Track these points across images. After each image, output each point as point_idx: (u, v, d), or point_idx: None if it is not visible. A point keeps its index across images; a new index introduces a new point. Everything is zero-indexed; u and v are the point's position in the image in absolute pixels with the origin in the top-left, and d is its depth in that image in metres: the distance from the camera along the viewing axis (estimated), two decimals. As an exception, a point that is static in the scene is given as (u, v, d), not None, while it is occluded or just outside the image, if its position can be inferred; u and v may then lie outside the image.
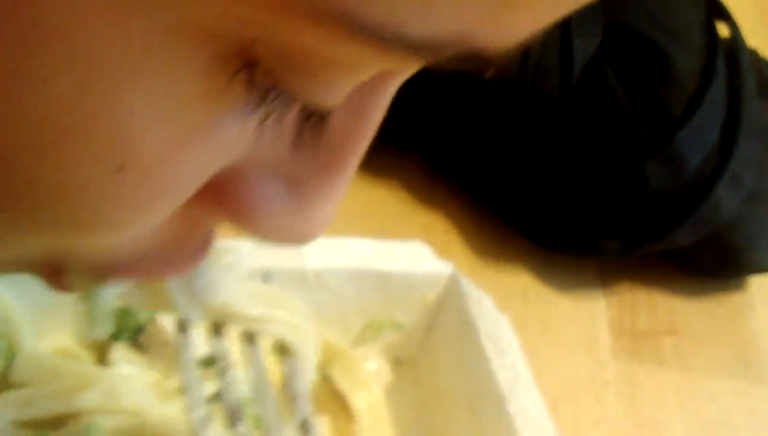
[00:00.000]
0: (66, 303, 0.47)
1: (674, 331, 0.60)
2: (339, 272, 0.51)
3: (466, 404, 0.49)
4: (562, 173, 0.59)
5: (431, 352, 0.52)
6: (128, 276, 0.27)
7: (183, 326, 0.41)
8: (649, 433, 0.54)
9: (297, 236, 0.26)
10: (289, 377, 0.41)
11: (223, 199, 0.24)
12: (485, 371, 0.47)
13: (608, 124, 0.58)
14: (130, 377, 0.46)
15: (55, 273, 0.28)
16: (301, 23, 0.17)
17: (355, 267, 0.51)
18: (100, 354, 0.48)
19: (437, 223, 0.63)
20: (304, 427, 0.39)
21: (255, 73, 0.19)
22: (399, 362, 0.53)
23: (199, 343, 0.47)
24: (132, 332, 0.48)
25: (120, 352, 0.47)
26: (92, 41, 0.17)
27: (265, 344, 0.41)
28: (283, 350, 0.42)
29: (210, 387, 0.42)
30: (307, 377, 0.42)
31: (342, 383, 0.50)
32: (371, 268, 0.51)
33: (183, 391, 0.39)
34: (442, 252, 0.53)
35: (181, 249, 0.27)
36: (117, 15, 0.17)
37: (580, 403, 0.55)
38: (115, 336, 0.48)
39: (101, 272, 0.26)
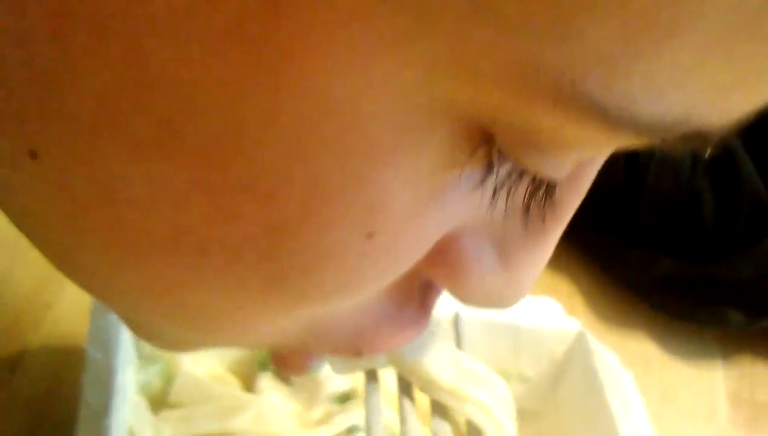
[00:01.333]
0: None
1: (793, 405, 0.61)
2: (472, 321, 0.53)
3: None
4: (690, 243, 0.61)
5: (556, 406, 0.55)
6: (368, 351, 0.28)
7: (372, 375, 0.39)
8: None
9: (502, 299, 0.26)
10: None
11: (438, 260, 0.24)
12: (610, 426, 0.49)
13: (737, 199, 0.60)
14: (276, 405, 0.49)
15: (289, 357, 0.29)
16: (544, 106, 0.18)
17: (487, 317, 0.54)
18: (246, 382, 0.52)
19: (562, 285, 0.66)
20: None
21: (492, 148, 0.20)
22: (523, 414, 0.55)
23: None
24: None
25: (266, 381, 0.51)
26: (369, 119, 0.18)
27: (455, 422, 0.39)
28: (473, 432, 0.39)
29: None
30: None
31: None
32: (502, 320, 0.54)
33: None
34: (566, 314, 0.55)
35: (404, 316, 0.27)
36: (387, 97, 0.18)
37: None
38: (262, 366, 0.52)
39: (344, 348, 0.27)
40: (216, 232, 0.20)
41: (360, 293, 0.23)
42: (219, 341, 0.26)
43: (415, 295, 0.27)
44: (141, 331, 0.28)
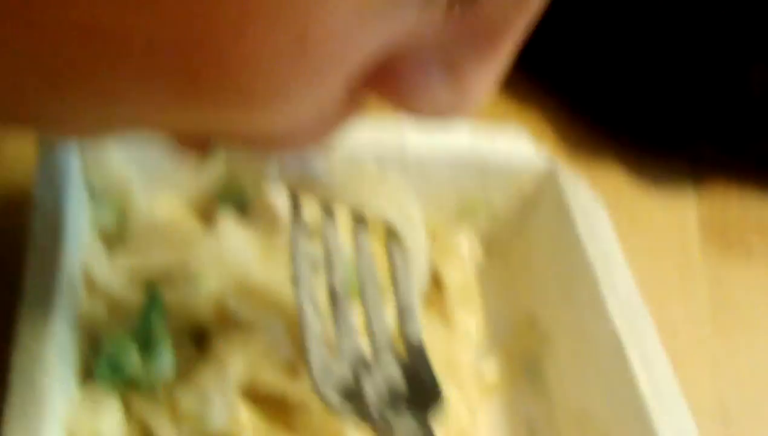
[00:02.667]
0: (176, 170, 0.50)
1: (765, 230, 0.61)
2: (438, 157, 0.52)
3: (557, 287, 0.50)
4: (662, 71, 0.59)
5: (526, 240, 0.54)
6: (277, 149, 0.29)
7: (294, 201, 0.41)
8: (734, 321, 0.55)
9: (450, 110, 0.27)
10: (396, 264, 0.39)
11: (386, 78, 0.25)
12: (578, 250, 0.48)
13: (716, 25, 0.58)
14: (237, 236, 0.48)
15: (192, 141, 0.29)
16: None
17: (454, 152, 0.52)
18: (208, 216, 0.50)
19: (530, 120, 0.64)
20: (403, 314, 0.37)
21: None
22: (491, 245, 0.55)
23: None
24: (238, 196, 0.50)
25: (227, 214, 0.49)
26: None
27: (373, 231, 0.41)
28: (391, 235, 0.40)
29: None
30: (416, 268, 0.41)
31: (435, 258, 0.51)
32: (470, 153, 0.52)
33: (291, 261, 0.39)
34: (536, 146, 0.53)
35: (329, 125, 0.28)
36: None
37: (667, 293, 0.56)
38: (222, 198, 0.50)
39: (251, 145, 0.28)
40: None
41: (296, 98, 0.23)
42: (122, 117, 0.25)
43: (351, 111, 0.28)
44: (45, 120, 0.27)
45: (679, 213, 0.61)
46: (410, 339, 0.36)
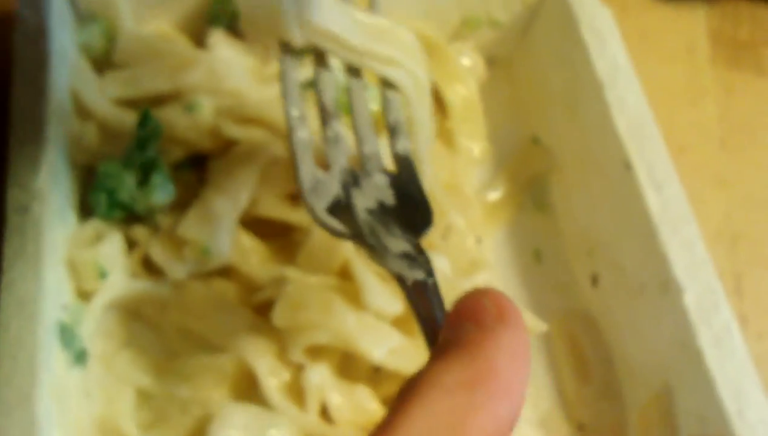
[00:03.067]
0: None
1: (776, 42, 0.59)
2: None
3: (561, 97, 0.48)
4: None
5: (528, 49, 0.52)
6: None
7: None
8: (742, 137, 0.54)
9: None
10: (388, 98, 0.37)
11: None
12: (585, 62, 0.46)
13: None
14: (230, 60, 0.46)
15: None
16: None
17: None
18: (198, 40, 0.48)
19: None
20: (393, 131, 0.36)
21: None
22: (494, 60, 0.53)
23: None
24: (229, 18, 0.48)
25: (218, 37, 0.47)
26: None
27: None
28: (388, 87, 0.37)
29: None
30: (418, 115, 0.39)
31: (437, 75, 0.49)
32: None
33: (280, 81, 0.36)
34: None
35: None
36: None
37: (675, 106, 0.54)
38: (212, 20, 0.48)
39: None
40: None
41: None
42: None
43: None
44: None
45: (688, 26, 0.59)
46: (398, 152, 0.35)
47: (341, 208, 0.33)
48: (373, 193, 0.33)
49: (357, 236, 0.32)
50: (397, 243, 0.31)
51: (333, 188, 0.33)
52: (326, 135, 0.35)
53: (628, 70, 0.46)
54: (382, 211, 0.33)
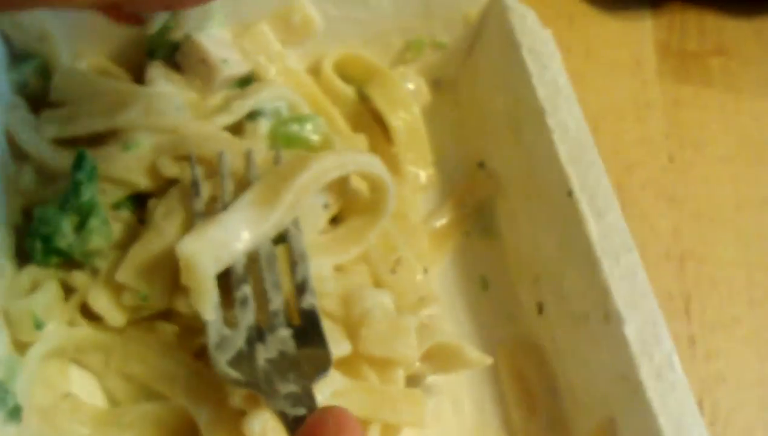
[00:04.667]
0: (102, 24, 0.46)
1: (723, 51, 0.59)
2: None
3: (505, 121, 0.48)
4: None
5: (472, 72, 0.51)
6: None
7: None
8: (691, 152, 0.54)
9: None
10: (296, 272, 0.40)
11: None
12: (526, 86, 0.46)
13: None
14: (168, 95, 0.46)
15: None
16: None
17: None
18: (137, 74, 0.47)
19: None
20: (299, 287, 0.40)
21: None
22: (438, 83, 0.52)
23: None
24: (167, 50, 0.47)
25: (157, 70, 0.47)
26: None
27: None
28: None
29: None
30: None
31: (380, 102, 0.49)
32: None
33: None
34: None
35: None
36: None
37: (622, 122, 0.55)
38: (151, 54, 0.47)
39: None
40: None
41: None
42: None
43: None
44: None
45: (635, 38, 0.59)
46: (303, 308, 0.39)
47: (244, 358, 0.37)
48: (276, 345, 0.38)
49: (252, 383, 0.36)
50: (288, 386, 0.36)
51: (238, 343, 0.37)
52: (235, 296, 0.39)
53: (569, 94, 0.46)
54: (281, 359, 0.37)
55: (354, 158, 0.42)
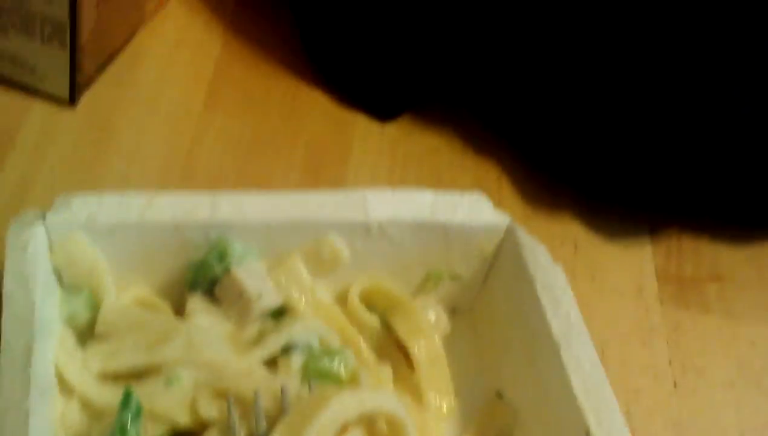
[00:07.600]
0: (145, 255, 0.50)
1: (719, 278, 0.62)
2: (401, 223, 0.52)
3: (522, 351, 0.51)
4: (618, 128, 0.61)
5: (488, 302, 0.55)
6: None
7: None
8: (693, 377, 0.57)
9: None
10: None
11: None
12: (540, 321, 0.49)
13: (665, 86, 0.59)
14: (208, 329, 0.49)
15: None
16: None
17: (417, 219, 0.53)
18: (178, 306, 0.51)
19: (489, 172, 0.65)
20: None
21: None
22: (456, 312, 0.56)
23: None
24: (208, 283, 0.50)
25: (197, 303, 0.50)
26: None
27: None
28: None
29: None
30: None
31: (403, 331, 0.52)
32: (432, 220, 0.53)
33: None
34: (494, 200, 0.54)
35: None
36: None
37: (627, 348, 0.58)
38: (191, 286, 0.51)
39: None
40: None
41: None
42: None
43: None
44: None
45: (637, 264, 0.62)
46: None
47: None
48: None
49: None
50: None
51: None
52: None
53: (581, 328, 0.49)
54: None
55: (372, 397, 0.45)
